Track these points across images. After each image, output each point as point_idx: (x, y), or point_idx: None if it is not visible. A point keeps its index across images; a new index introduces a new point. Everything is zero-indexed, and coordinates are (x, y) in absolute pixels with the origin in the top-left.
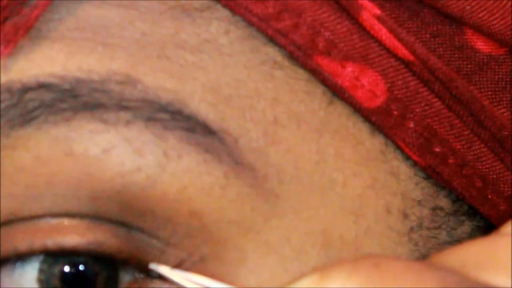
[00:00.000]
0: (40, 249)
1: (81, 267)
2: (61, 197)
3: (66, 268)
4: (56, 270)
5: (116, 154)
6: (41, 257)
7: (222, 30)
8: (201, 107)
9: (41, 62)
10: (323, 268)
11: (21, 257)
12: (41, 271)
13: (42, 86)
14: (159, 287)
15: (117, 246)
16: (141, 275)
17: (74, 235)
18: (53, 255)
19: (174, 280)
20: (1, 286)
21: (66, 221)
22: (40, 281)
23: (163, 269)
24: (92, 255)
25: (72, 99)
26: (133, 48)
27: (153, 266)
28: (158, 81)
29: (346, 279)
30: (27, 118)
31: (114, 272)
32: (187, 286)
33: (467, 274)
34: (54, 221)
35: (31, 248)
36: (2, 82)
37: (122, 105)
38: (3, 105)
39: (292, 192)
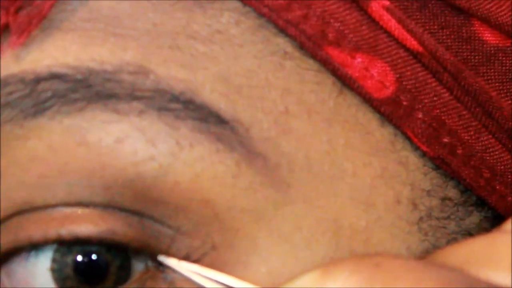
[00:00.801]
0: (54, 238)
1: (93, 256)
2: (74, 186)
3: (79, 258)
4: (69, 259)
5: (129, 144)
6: (54, 247)
7: (233, 20)
8: (213, 97)
9: (54, 52)
10: (325, 265)
11: (35, 247)
12: (54, 260)
13: (55, 76)
14: (171, 275)
15: (130, 235)
16: (154, 264)
17: (87, 224)
18: (66, 245)
19: (181, 273)
20: (15, 276)
21: (79, 210)
22: (53, 270)
23: (171, 261)
24: (105, 243)
25: (85, 90)
26: (145, 39)
27: (162, 258)
28: (170, 71)
29: (347, 278)
30: (40, 108)
31: (127, 261)
32: (194, 279)
33: (467, 272)
34: (68, 210)
35: (45, 237)
36: (15, 72)
37: (134, 95)
38: (16, 95)
39: (303, 181)
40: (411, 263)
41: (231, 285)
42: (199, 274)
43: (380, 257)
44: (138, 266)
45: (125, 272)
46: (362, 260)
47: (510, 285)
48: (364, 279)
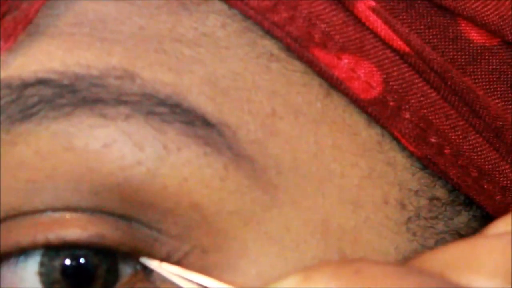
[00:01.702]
0: (43, 243)
1: (81, 260)
2: (62, 191)
3: (67, 261)
4: (56, 263)
5: (116, 148)
6: (41, 251)
7: (219, 23)
8: (200, 100)
9: (40, 58)
10: (306, 269)
11: (23, 252)
12: (41, 264)
13: (42, 82)
14: (158, 280)
15: (118, 239)
16: (142, 268)
17: (75, 229)
18: (54, 249)
19: (161, 274)
20: (3, 280)
21: (67, 215)
22: (41, 274)
23: (153, 264)
24: (94, 248)
25: (71, 95)
26: (131, 43)
27: (144, 260)
28: (156, 75)
29: (327, 284)
30: (27, 113)
31: (115, 265)
32: (174, 281)
33: (448, 277)
34: (56, 215)
35: (34, 242)
36: (1, 78)
37: (121, 100)
38: (3, 101)
39: (291, 182)
40: (391, 269)
41: (211, 286)
42: (180, 276)
43: (360, 263)
44: (126, 270)
45: (112, 276)
46: (342, 266)
47: None
48: (343, 285)
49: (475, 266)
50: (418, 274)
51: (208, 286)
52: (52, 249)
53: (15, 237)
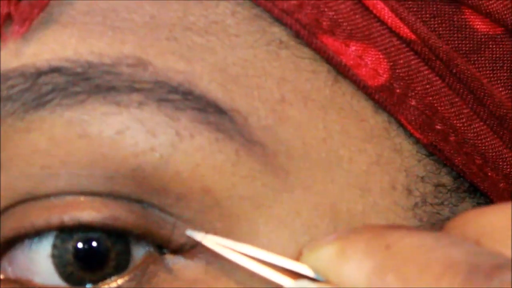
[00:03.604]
0: (57, 224)
1: (94, 243)
2: (76, 176)
3: (80, 244)
4: (69, 245)
5: (129, 135)
6: (54, 234)
7: (229, 11)
8: (211, 87)
9: (53, 46)
10: (341, 240)
11: (37, 234)
12: (54, 246)
13: (55, 70)
14: (172, 261)
15: (132, 221)
16: (154, 250)
17: (90, 211)
18: (67, 231)
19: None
20: (16, 263)
21: (82, 198)
22: (54, 256)
23: (198, 235)
24: (107, 230)
25: (85, 83)
26: (142, 31)
27: (189, 232)
28: (168, 63)
29: (360, 262)
30: (41, 101)
31: (127, 248)
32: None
33: (483, 245)
34: (70, 198)
35: (48, 223)
36: (15, 66)
37: (134, 87)
38: (17, 89)
39: (301, 167)
40: (421, 242)
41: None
42: (226, 247)
43: (391, 235)
44: (138, 253)
45: (125, 258)
46: (374, 240)
47: None
48: (375, 264)
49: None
50: (448, 245)
51: (253, 255)
52: (65, 232)
53: (29, 219)
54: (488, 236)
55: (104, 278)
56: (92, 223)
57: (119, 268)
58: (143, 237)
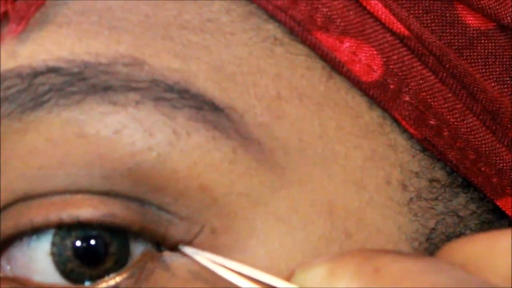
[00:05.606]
0: (56, 222)
1: (92, 239)
2: (74, 176)
3: (78, 241)
4: (68, 242)
5: (127, 135)
6: (53, 231)
7: (223, 9)
8: (207, 85)
9: (49, 47)
10: (331, 261)
11: (35, 232)
12: (53, 244)
13: (51, 70)
14: (170, 258)
15: (130, 218)
16: (152, 248)
17: (88, 208)
18: (66, 229)
19: (200, 262)
20: (15, 261)
21: (80, 196)
22: (53, 254)
23: (190, 251)
24: (106, 227)
25: (81, 82)
26: (138, 31)
27: (181, 247)
28: (164, 61)
29: (349, 282)
30: (38, 102)
31: (126, 245)
32: (211, 268)
33: (468, 271)
34: (69, 196)
35: (47, 221)
36: (12, 67)
37: (130, 87)
38: (14, 90)
39: (297, 164)
40: (410, 266)
41: (248, 274)
42: (215, 262)
43: (380, 259)
44: (137, 250)
45: (124, 255)
46: (363, 264)
47: None
48: (363, 286)
49: (493, 267)
50: (437, 271)
51: (245, 273)
52: (64, 229)
53: (28, 217)
54: (472, 264)
55: (103, 275)
56: (91, 220)
57: (118, 265)
58: (141, 234)
